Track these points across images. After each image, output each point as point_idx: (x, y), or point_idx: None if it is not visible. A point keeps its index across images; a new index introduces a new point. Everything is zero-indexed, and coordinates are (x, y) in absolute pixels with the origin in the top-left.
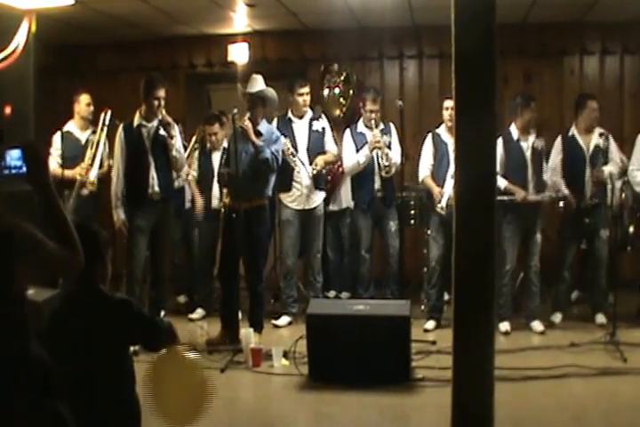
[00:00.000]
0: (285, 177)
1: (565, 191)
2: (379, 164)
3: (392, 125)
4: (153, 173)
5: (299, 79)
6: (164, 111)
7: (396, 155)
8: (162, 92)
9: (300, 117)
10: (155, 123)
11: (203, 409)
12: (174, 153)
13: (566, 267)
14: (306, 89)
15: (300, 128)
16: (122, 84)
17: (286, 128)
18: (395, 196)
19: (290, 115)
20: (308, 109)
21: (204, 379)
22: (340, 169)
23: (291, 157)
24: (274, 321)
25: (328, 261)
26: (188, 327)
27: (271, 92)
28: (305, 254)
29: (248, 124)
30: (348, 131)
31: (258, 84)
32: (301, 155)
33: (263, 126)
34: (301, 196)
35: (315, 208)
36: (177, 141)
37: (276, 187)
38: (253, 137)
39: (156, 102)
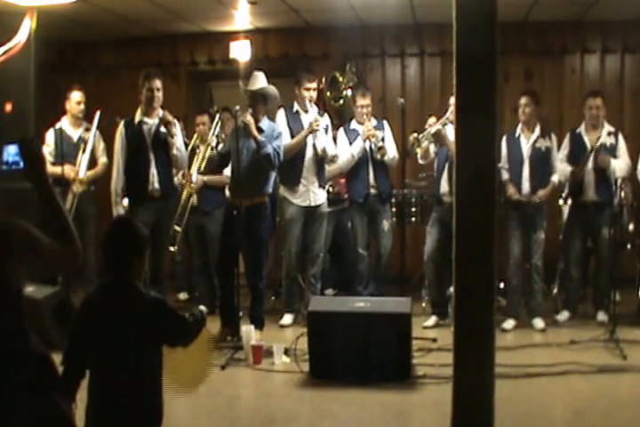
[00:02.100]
0: (293, 171)
1: (568, 169)
2: (372, 156)
3: (385, 123)
4: (153, 170)
5: (307, 73)
6: (166, 111)
7: (391, 150)
8: (156, 84)
9: (306, 112)
10: (156, 120)
11: (210, 367)
12: (175, 152)
13: (572, 265)
14: (314, 84)
15: (308, 122)
16: (123, 80)
17: (295, 120)
18: (391, 192)
19: (297, 107)
20: (313, 105)
21: (209, 341)
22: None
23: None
24: (281, 322)
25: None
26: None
27: (273, 89)
28: (306, 252)
29: (250, 119)
30: (341, 129)
31: (259, 81)
32: (308, 151)
33: (264, 123)
34: (307, 192)
35: (319, 205)
36: (178, 140)
37: (285, 181)
38: (255, 132)
39: (149, 93)
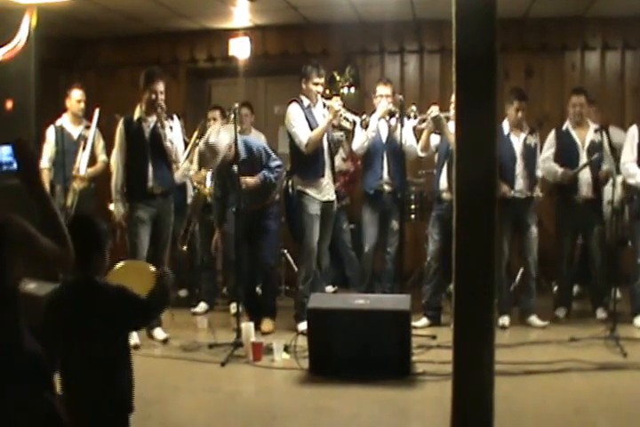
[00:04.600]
0: (317, 163)
1: (560, 170)
2: (387, 149)
3: (406, 119)
4: (152, 168)
5: (317, 68)
6: (162, 105)
7: (410, 139)
8: (160, 86)
9: (316, 106)
10: (154, 117)
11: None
12: (167, 143)
13: (564, 261)
14: (322, 80)
15: (319, 116)
16: (123, 78)
17: (309, 114)
18: (404, 190)
19: (309, 102)
20: (319, 98)
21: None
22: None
23: (344, 120)
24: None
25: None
26: (190, 321)
27: (220, 142)
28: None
29: (248, 182)
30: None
31: (225, 136)
32: (324, 144)
33: (244, 152)
34: (327, 185)
35: (333, 200)
36: (172, 132)
37: (308, 175)
38: (254, 183)
39: (153, 96)
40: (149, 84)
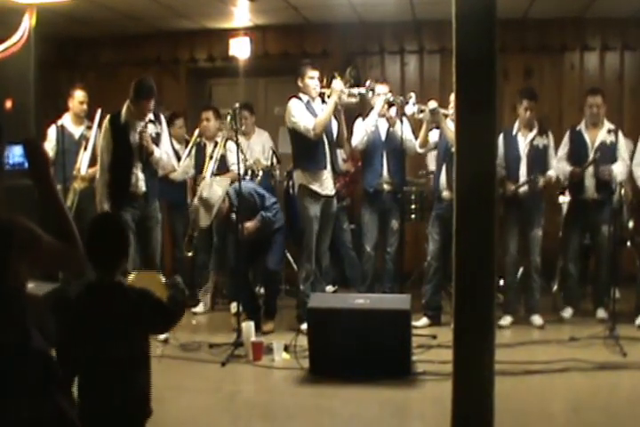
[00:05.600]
0: (318, 154)
1: (568, 169)
2: (386, 147)
3: (405, 119)
4: (138, 173)
5: (309, 64)
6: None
7: (409, 135)
8: (150, 105)
9: (314, 100)
10: (142, 123)
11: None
12: (156, 155)
13: (571, 261)
14: (316, 73)
15: (319, 111)
16: (123, 77)
17: (310, 107)
18: (403, 189)
19: (307, 98)
20: (317, 95)
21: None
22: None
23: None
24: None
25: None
26: (190, 321)
27: (213, 196)
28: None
29: (248, 228)
30: (359, 119)
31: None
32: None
33: (236, 200)
34: (327, 179)
35: (333, 196)
36: (158, 149)
37: (309, 166)
38: (255, 227)
39: (146, 111)
40: (139, 101)
